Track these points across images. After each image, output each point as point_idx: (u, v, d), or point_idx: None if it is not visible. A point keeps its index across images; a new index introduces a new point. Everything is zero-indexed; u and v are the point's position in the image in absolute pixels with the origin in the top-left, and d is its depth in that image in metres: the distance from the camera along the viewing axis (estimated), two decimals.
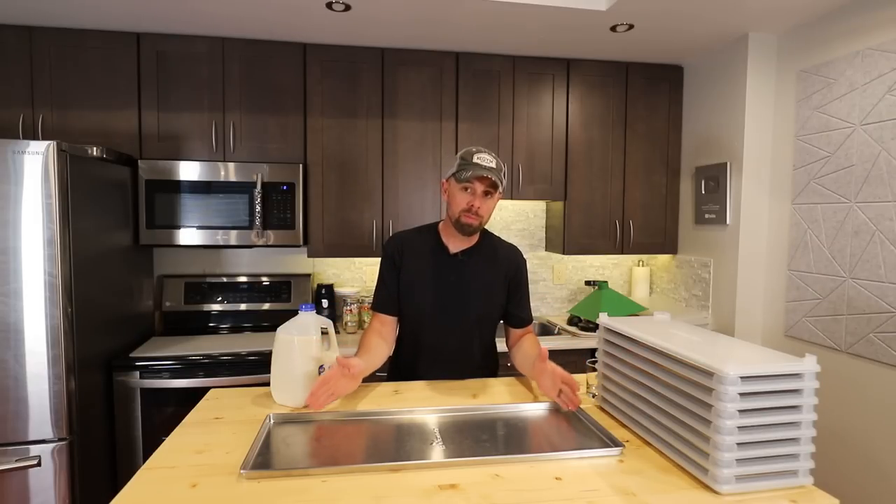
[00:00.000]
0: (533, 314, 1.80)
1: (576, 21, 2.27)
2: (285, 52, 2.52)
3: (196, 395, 1.78)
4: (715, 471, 0.97)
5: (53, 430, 1.85)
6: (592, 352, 2.47)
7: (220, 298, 2.71)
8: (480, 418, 1.32)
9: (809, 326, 2.22)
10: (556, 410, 1.38)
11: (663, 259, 3.07)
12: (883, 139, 1.92)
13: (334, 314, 2.81)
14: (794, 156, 2.30)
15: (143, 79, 2.42)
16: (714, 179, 2.61)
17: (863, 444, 2.02)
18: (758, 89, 2.43)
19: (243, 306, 2.73)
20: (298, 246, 2.58)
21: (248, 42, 2.49)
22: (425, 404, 1.41)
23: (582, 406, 1.38)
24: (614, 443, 1.17)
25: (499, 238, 1.73)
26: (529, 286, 1.76)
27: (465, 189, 1.52)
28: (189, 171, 2.40)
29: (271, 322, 2.74)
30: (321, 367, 1.39)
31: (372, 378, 1.53)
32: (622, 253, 2.88)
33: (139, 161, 2.38)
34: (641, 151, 2.87)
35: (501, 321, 1.73)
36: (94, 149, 2.05)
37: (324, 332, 1.44)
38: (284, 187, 2.48)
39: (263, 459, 1.09)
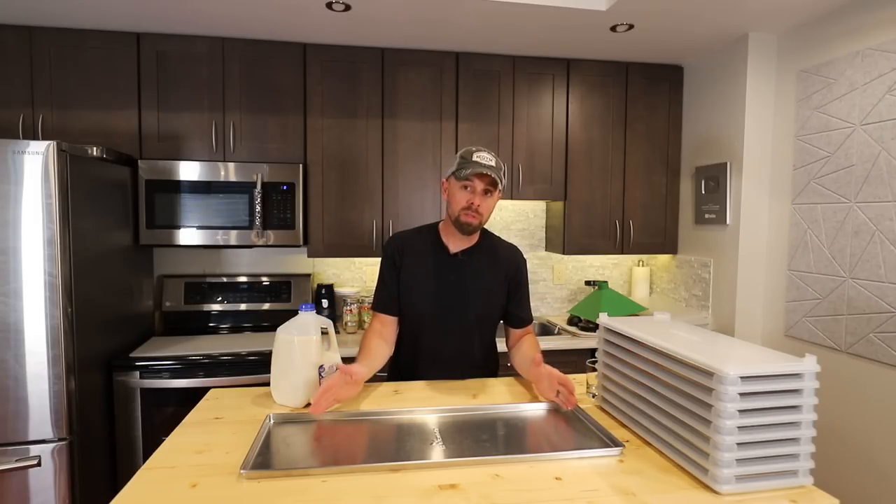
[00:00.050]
0: (533, 314, 1.80)
1: (576, 21, 2.27)
2: (285, 52, 2.52)
3: (196, 395, 1.77)
4: (715, 471, 0.97)
5: (53, 430, 1.85)
6: (592, 352, 2.47)
7: (220, 298, 2.71)
8: (480, 418, 1.32)
9: (809, 326, 2.22)
10: (555, 410, 1.38)
11: (663, 259, 3.07)
12: (883, 139, 1.92)
13: (334, 314, 2.81)
14: (794, 156, 2.30)
15: (143, 79, 2.42)
16: (714, 179, 2.61)
17: (863, 444, 2.02)
18: (758, 89, 2.43)
19: (243, 306, 2.73)
20: (298, 246, 2.58)
21: (248, 42, 2.49)
22: (425, 404, 1.41)
23: (582, 406, 1.38)
24: (614, 443, 1.17)
25: (499, 238, 1.73)
26: (529, 286, 1.76)
27: (465, 187, 1.52)
28: (189, 171, 2.40)
29: (271, 322, 2.74)
30: (321, 367, 1.39)
31: (372, 378, 1.53)
32: (622, 253, 2.88)
33: (139, 161, 2.38)
34: (641, 151, 2.87)
35: (502, 321, 1.74)
36: (94, 149, 2.05)
37: (324, 332, 1.44)
38: (284, 187, 2.48)
39: (263, 459, 1.09)
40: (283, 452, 1.13)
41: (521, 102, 2.74)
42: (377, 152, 2.62)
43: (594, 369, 1.45)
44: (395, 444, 1.17)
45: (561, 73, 2.76)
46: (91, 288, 2.03)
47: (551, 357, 2.47)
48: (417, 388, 1.55)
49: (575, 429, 1.27)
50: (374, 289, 1.69)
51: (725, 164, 2.53)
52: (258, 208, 2.43)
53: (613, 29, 2.36)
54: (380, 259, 1.72)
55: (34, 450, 1.84)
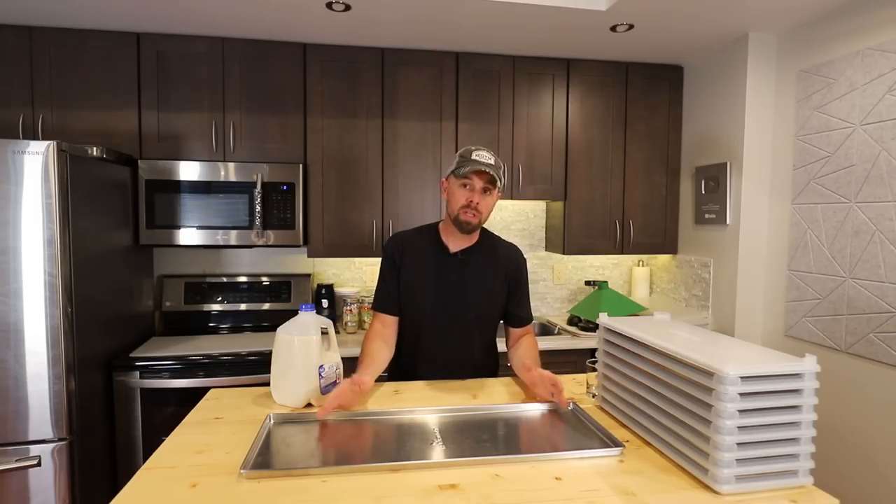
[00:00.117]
0: (533, 314, 1.80)
1: (576, 21, 2.27)
2: (285, 52, 2.52)
3: (196, 395, 1.77)
4: (715, 471, 0.97)
5: (53, 430, 1.85)
6: (592, 352, 2.47)
7: (220, 298, 2.71)
8: (480, 418, 1.32)
9: (809, 326, 2.22)
10: (555, 410, 1.38)
11: (663, 259, 3.07)
12: (883, 139, 1.92)
13: (334, 314, 2.81)
14: (794, 156, 2.30)
15: (143, 79, 2.42)
16: (714, 179, 2.61)
17: (863, 444, 2.02)
18: (758, 89, 2.43)
19: (243, 306, 2.73)
20: (298, 246, 2.58)
21: (248, 42, 2.49)
22: (425, 404, 1.41)
23: (582, 406, 1.39)
24: (614, 443, 1.17)
25: (499, 237, 1.73)
26: (529, 286, 1.76)
27: (464, 186, 1.53)
28: (189, 171, 2.40)
29: (271, 322, 2.74)
30: (321, 367, 1.39)
31: None
32: (622, 253, 2.88)
33: (139, 161, 2.38)
34: (641, 151, 2.87)
35: (502, 322, 1.74)
36: (94, 149, 2.05)
37: (324, 332, 1.44)
38: (284, 187, 2.48)
39: (263, 459, 1.09)
40: (283, 452, 1.13)
41: (521, 102, 2.74)
42: (377, 152, 2.62)
43: (594, 369, 1.45)
44: (395, 444, 1.17)
45: (561, 73, 2.76)
46: (91, 288, 2.03)
47: (551, 357, 2.47)
48: (417, 388, 1.55)
49: (575, 429, 1.27)
50: (375, 289, 1.69)
51: (725, 164, 2.53)
52: (258, 208, 2.43)
53: (613, 29, 2.36)
54: (380, 259, 1.72)
55: (34, 450, 1.84)
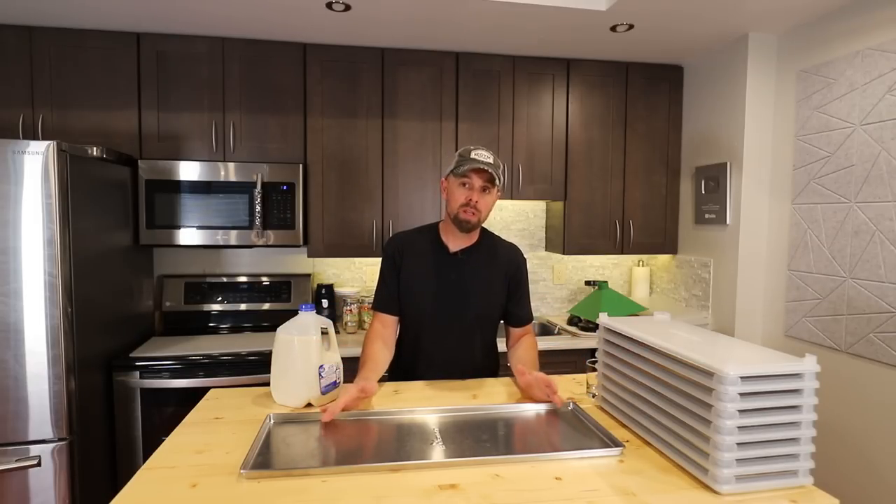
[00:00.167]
0: (533, 314, 1.80)
1: (576, 21, 2.27)
2: (285, 52, 2.52)
3: (196, 395, 1.78)
4: (715, 471, 0.97)
5: (53, 430, 1.85)
6: (592, 352, 2.47)
7: (220, 298, 2.71)
8: (480, 418, 1.32)
9: (809, 326, 2.22)
10: (555, 411, 1.38)
11: (663, 259, 3.07)
12: (883, 139, 1.92)
13: (334, 314, 2.81)
14: (794, 156, 2.30)
15: (143, 79, 2.42)
16: (714, 179, 2.61)
17: (862, 444, 2.02)
18: (758, 89, 2.43)
19: (243, 306, 2.73)
20: (298, 246, 2.58)
21: (248, 42, 2.49)
22: (425, 404, 1.41)
23: (582, 406, 1.39)
24: (614, 443, 1.17)
25: (498, 237, 1.73)
26: (529, 286, 1.77)
27: (464, 184, 1.54)
28: (189, 171, 2.40)
29: (271, 322, 2.74)
30: (321, 367, 1.39)
31: None
32: (622, 253, 2.88)
33: (139, 161, 2.38)
34: (641, 151, 2.87)
35: (502, 321, 1.74)
36: (94, 149, 2.05)
37: (324, 332, 1.44)
38: (284, 187, 2.48)
39: (263, 459, 1.09)
40: (283, 452, 1.13)
41: (521, 102, 2.74)
42: (377, 152, 2.62)
43: (594, 369, 1.45)
44: (395, 444, 1.17)
45: (561, 73, 2.76)
46: (91, 288, 2.03)
47: (551, 357, 2.47)
48: (417, 388, 1.55)
49: (575, 429, 1.27)
50: (375, 289, 1.69)
51: (725, 164, 2.53)
52: (258, 208, 2.43)
53: (613, 29, 2.36)
54: (380, 259, 1.72)
55: (34, 450, 1.84)
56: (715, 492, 0.98)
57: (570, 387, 1.59)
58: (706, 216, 2.67)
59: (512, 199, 2.76)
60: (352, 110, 2.59)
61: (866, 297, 1.98)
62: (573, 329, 2.70)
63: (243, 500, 0.95)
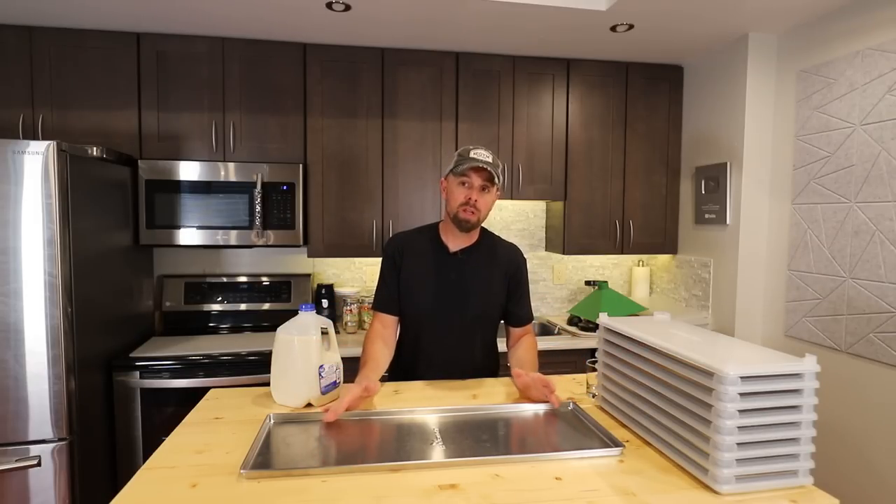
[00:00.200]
0: (533, 314, 1.80)
1: (576, 21, 2.27)
2: (285, 52, 2.52)
3: (196, 395, 1.78)
4: (715, 471, 0.97)
5: (53, 430, 1.85)
6: (592, 352, 2.47)
7: (220, 298, 2.71)
8: (480, 418, 1.32)
9: (809, 326, 2.22)
10: (555, 411, 1.38)
11: (663, 259, 3.07)
12: (883, 139, 1.92)
13: (334, 314, 2.81)
14: (794, 156, 2.30)
15: (143, 79, 2.42)
16: (714, 179, 2.61)
17: (862, 444, 2.02)
18: (758, 89, 2.43)
19: (243, 306, 2.73)
20: (298, 246, 2.58)
21: (248, 42, 2.49)
22: (425, 404, 1.41)
23: (582, 406, 1.39)
24: (614, 443, 1.17)
25: (498, 237, 1.74)
26: (529, 286, 1.77)
27: (463, 183, 1.54)
28: (189, 171, 2.40)
29: (271, 322, 2.74)
30: (321, 366, 1.39)
31: None
32: (622, 253, 2.88)
33: (139, 161, 2.38)
34: (641, 151, 2.87)
35: (502, 321, 1.74)
36: (94, 149, 2.05)
37: (324, 332, 1.44)
38: (284, 187, 2.48)
39: (263, 459, 1.09)
40: (283, 452, 1.13)
41: (521, 102, 2.74)
42: (377, 152, 2.62)
43: (594, 369, 1.45)
44: (395, 444, 1.17)
45: (561, 73, 2.76)
46: (91, 288, 2.03)
47: (551, 357, 2.47)
48: (417, 388, 1.55)
49: (575, 429, 1.27)
50: (375, 289, 1.69)
51: (725, 164, 2.53)
52: (258, 208, 2.43)
53: (613, 29, 2.36)
54: (380, 259, 1.73)
55: (34, 450, 1.84)
56: (715, 492, 0.98)
57: (570, 387, 1.59)
58: (706, 216, 2.67)
59: (512, 199, 2.76)
60: (352, 110, 2.59)
61: (866, 297, 1.98)
62: (573, 329, 2.70)
63: (243, 500, 0.95)
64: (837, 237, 2.09)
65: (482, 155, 1.52)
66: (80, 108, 2.38)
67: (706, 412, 1.00)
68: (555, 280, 3.16)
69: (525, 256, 1.75)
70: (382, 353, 1.59)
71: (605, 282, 2.88)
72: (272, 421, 1.29)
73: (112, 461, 2.18)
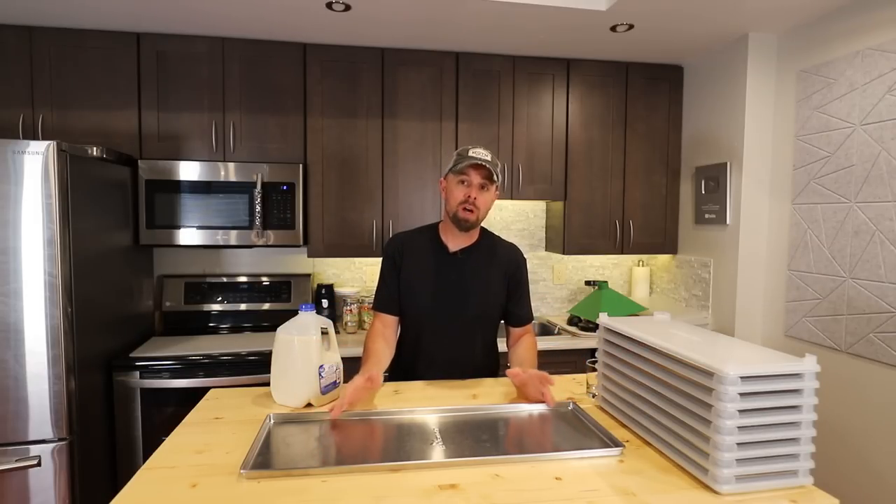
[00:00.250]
0: (533, 314, 1.80)
1: (576, 21, 2.27)
2: (285, 52, 2.52)
3: (196, 395, 1.77)
4: (715, 471, 0.97)
5: (53, 430, 1.85)
6: (592, 352, 2.47)
7: (220, 298, 2.71)
8: (480, 418, 1.32)
9: (809, 326, 2.22)
10: (555, 411, 1.38)
11: (663, 259, 3.07)
12: (883, 139, 1.92)
13: (334, 314, 2.81)
14: (794, 156, 2.30)
15: (143, 79, 2.42)
16: (714, 179, 2.61)
17: (862, 444, 2.02)
18: (758, 89, 2.43)
19: (243, 306, 2.73)
20: (298, 246, 2.58)
21: (248, 42, 2.49)
22: (425, 404, 1.41)
23: (582, 406, 1.39)
24: (614, 443, 1.17)
25: (498, 237, 1.74)
26: (529, 286, 1.77)
27: (462, 182, 1.55)
28: (189, 171, 2.40)
29: (271, 322, 2.74)
30: (321, 367, 1.39)
31: None
32: (622, 253, 2.88)
33: (139, 161, 2.38)
34: (641, 151, 2.87)
35: (503, 321, 1.74)
36: (94, 149, 2.05)
37: (324, 332, 1.44)
38: (284, 187, 2.48)
39: (263, 459, 1.09)
40: (283, 452, 1.13)
41: (521, 102, 2.74)
42: (377, 152, 2.62)
43: (594, 369, 1.45)
44: (395, 444, 1.17)
45: (561, 73, 2.76)
46: (91, 288, 2.03)
47: (551, 357, 2.47)
48: (417, 388, 1.55)
49: (575, 429, 1.27)
50: (375, 289, 1.69)
51: (725, 164, 2.53)
52: (258, 208, 2.43)
53: (613, 29, 2.36)
54: (380, 259, 1.73)
55: (34, 450, 1.84)
56: (715, 492, 0.98)
57: (570, 387, 1.59)
58: (706, 216, 2.67)
59: (512, 199, 2.76)
60: (352, 110, 2.59)
61: (866, 297, 1.98)
62: (573, 329, 2.70)
63: (243, 500, 0.95)
64: (837, 237, 2.09)
65: (481, 153, 1.53)
66: (80, 108, 2.38)
67: (706, 412, 1.00)
68: (555, 280, 3.16)
69: (525, 256, 1.75)
70: (384, 351, 1.60)
71: (605, 282, 2.88)
72: (272, 421, 1.29)
73: (112, 461, 2.18)
